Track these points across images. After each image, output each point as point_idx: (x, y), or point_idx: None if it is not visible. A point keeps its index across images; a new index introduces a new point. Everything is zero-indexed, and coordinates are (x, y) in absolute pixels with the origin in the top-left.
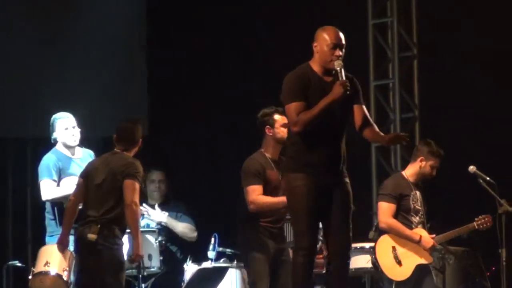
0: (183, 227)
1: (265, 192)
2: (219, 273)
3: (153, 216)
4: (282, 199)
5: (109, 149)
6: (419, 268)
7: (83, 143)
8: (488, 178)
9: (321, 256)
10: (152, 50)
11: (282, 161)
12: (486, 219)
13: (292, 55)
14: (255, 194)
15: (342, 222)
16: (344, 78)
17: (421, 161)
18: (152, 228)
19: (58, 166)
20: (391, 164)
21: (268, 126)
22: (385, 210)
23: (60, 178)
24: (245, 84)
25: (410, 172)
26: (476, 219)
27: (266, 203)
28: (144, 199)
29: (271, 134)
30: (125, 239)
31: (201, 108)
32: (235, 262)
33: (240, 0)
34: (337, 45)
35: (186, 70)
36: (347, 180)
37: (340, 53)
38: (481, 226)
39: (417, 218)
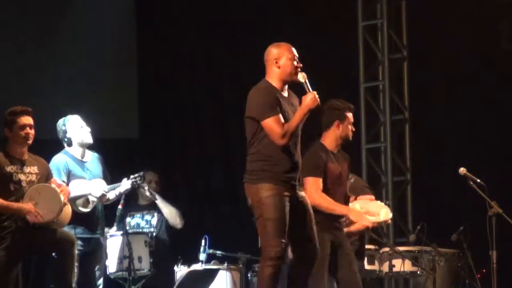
0: (170, 210)
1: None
2: (210, 275)
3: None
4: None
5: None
6: None
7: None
8: (478, 180)
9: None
10: (142, 53)
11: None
12: None
13: None
14: (316, 187)
15: (311, 229)
16: (310, 89)
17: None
18: (143, 227)
19: (68, 168)
20: (381, 167)
21: (338, 121)
22: None
23: (69, 180)
24: (236, 86)
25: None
26: None
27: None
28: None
29: (339, 130)
30: (118, 240)
31: (191, 109)
32: (226, 264)
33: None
34: (297, 57)
35: (176, 73)
36: (303, 188)
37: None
38: None
39: None
